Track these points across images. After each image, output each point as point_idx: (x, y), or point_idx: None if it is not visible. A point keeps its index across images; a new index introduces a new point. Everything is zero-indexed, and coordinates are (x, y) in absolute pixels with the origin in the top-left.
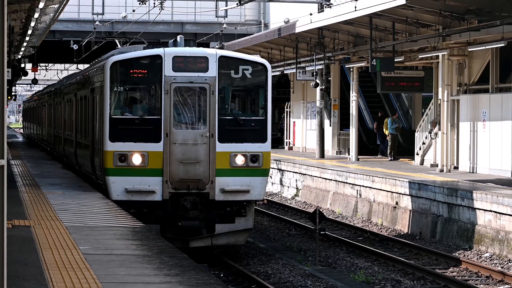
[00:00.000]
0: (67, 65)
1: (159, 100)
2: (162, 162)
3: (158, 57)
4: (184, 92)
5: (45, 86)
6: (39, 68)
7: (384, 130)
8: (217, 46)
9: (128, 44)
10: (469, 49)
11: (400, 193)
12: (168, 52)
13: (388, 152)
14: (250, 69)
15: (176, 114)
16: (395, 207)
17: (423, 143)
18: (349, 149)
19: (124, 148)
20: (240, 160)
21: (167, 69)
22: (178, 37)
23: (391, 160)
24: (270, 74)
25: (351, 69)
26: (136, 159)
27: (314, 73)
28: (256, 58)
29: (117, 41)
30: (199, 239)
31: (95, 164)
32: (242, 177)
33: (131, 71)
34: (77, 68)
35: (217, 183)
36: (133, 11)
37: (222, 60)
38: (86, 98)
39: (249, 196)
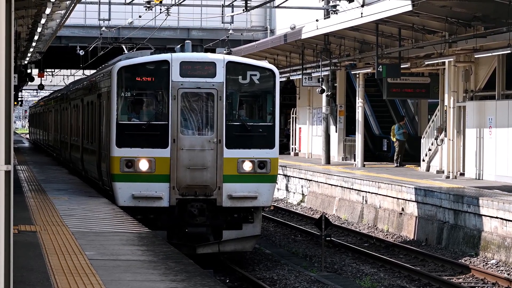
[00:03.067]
0: (73, 71)
1: (166, 106)
2: (169, 168)
3: (165, 63)
4: (191, 97)
5: (52, 91)
6: (45, 73)
7: (391, 136)
8: (224, 52)
9: (135, 49)
10: (475, 56)
11: (406, 199)
12: (175, 58)
13: (395, 158)
14: (258, 75)
15: (183, 119)
16: (401, 213)
17: (429, 150)
18: (355, 155)
19: (131, 154)
20: (247, 166)
21: (174, 75)
22: (186, 42)
23: (397, 166)
24: (278, 79)
25: (357, 75)
26: (143, 165)
27: (320, 79)
28: (264, 63)
29: (123, 46)
30: (206, 246)
31: (101, 169)
32: (249, 183)
33: (138, 76)
34: (83, 73)
35: (225, 189)
36: (140, 17)
37: (230, 65)
38: (93, 104)
39: (256, 202)
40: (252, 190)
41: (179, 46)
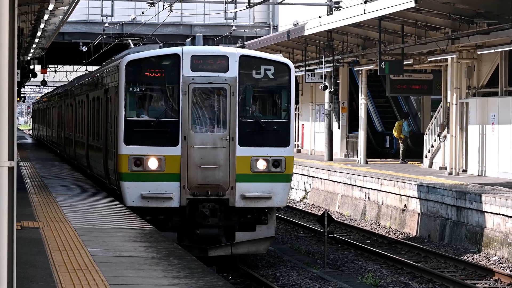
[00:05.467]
0: (76, 67)
1: (177, 102)
2: (180, 166)
3: (176, 56)
4: (203, 93)
5: (54, 87)
6: (48, 69)
7: (394, 133)
8: (237, 45)
9: (141, 43)
10: (478, 52)
11: (408, 196)
12: (186, 51)
13: (401, 154)
14: (272, 69)
15: (195, 116)
16: (403, 210)
17: (432, 146)
18: (357, 151)
19: (139, 152)
20: (261, 165)
21: (185, 69)
22: (197, 35)
23: (402, 162)
24: (293, 74)
25: (360, 72)
26: (152, 163)
27: (323, 76)
28: (279, 57)
29: (129, 40)
30: (218, 248)
31: (108, 168)
32: (263, 182)
33: (148, 70)
34: (86, 70)
35: (238, 189)
36: (142, 13)
37: (243, 59)
38: (99, 99)
39: (271, 202)
40: (266, 190)
41: (189, 39)
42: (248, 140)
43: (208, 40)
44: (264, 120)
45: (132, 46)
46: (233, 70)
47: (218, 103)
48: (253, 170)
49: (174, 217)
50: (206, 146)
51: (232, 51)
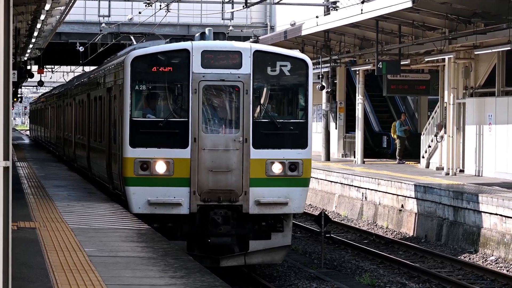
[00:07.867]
0: (73, 67)
1: (186, 101)
2: (190, 170)
3: (185, 52)
4: (214, 91)
5: (51, 88)
6: (45, 70)
7: (391, 133)
8: (251, 40)
9: (144, 40)
10: (475, 53)
11: (405, 196)
12: (196, 46)
13: (397, 154)
14: (288, 66)
15: (205, 116)
16: (400, 210)
17: (429, 146)
18: (354, 152)
19: (146, 155)
20: (277, 169)
21: (195, 65)
22: (207, 30)
23: (399, 163)
24: (311, 71)
25: (357, 72)
26: (160, 167)
27: (320, 76)
28: (296, 53)
29: (132, 37)
30: (231, 258)
31: (112, 172)
32: (279, 187)
33: (155, 67)
34: (83, 70)
35: (251, 194)
36: (139, 13)
37: (258, 55)
38: (102, 99)
39: (287, 209)
40: (282, 195)
41: (198, 34)
42: (263, 142)
43: (219, 34)
44: (280, 120)
45: (135, 43)
46: (247, 67)
47: (231, 102)
48: (268, 174)
49: (184, 224)
50: (218, 149)
51: (246, 46)
